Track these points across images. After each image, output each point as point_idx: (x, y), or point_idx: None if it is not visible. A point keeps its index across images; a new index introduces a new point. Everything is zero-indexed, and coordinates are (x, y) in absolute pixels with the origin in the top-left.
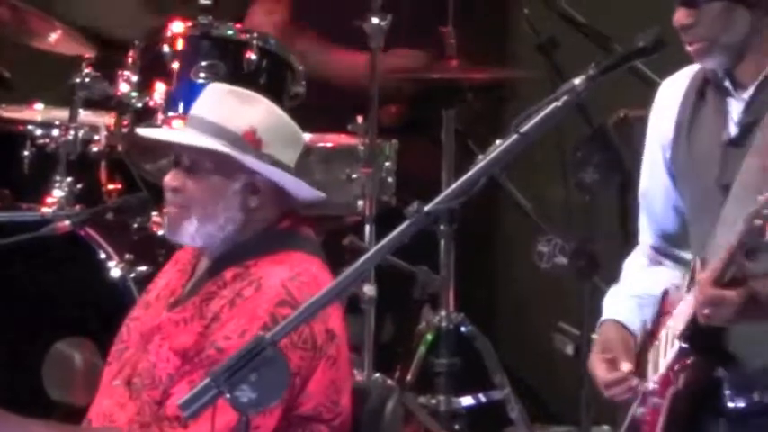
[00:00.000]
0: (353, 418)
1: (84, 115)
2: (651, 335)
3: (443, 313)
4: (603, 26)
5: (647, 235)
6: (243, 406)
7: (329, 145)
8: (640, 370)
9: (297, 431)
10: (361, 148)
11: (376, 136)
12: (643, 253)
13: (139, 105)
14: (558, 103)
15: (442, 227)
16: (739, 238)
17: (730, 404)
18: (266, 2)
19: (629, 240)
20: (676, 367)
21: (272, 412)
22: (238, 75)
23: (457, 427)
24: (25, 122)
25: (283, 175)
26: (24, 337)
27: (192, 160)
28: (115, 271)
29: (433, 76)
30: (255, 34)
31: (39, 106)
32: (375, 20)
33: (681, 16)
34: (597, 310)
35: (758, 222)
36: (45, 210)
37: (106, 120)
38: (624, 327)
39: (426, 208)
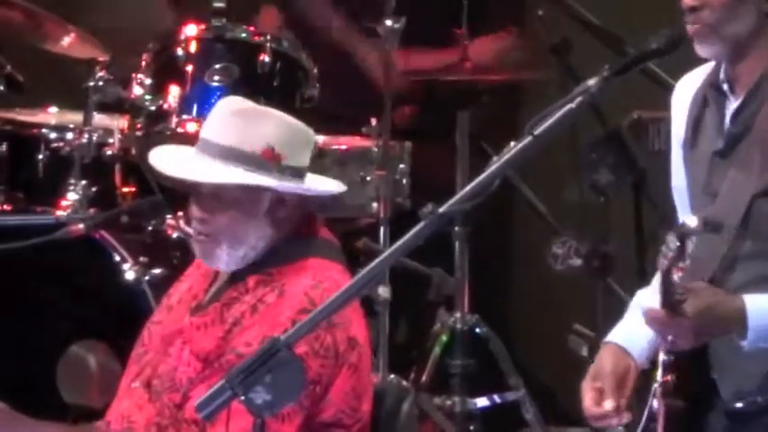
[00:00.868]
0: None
1: (99, 118)
2: None
3: (458, 315)
4: (617, 28)
5: None
6: (258, 408)
7: (343, 147)
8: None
9: None
10: (376, 150)
11: (390, 138)
12: None
13: (153, 108)
14: (572, 105)
15: (456, 228)
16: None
17: (729, 404)
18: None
19: (643, 241)
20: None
21: (293, 420)
22: (252, 77)
23: (472, 428)
24: (39, 126)
25: (307, 188)
26: (39, 339)
27: (214, 189)
28: (129, 274)
29: (447, 78)
30: (269, 36)
31: (53, 110)
32: (389, 22)
33: None
34: (612, 311)
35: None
36: (59, 213)
37: (120, 123)
38: (623, 350)
39: (440, 210)
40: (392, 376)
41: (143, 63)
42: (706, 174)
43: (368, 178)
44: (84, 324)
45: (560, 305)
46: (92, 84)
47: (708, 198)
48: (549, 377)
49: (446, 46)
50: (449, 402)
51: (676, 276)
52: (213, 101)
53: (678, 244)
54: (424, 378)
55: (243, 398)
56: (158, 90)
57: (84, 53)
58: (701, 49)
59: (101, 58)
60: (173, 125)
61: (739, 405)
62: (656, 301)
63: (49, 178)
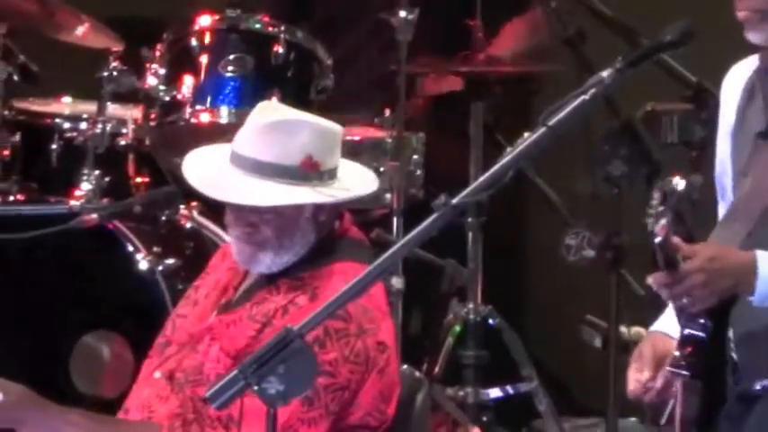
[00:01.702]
0: None
1: (112, 109)
2: None
3: (471, 306)
4: (631, 19)
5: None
6: (271, 398)
7: (356, 138)
8: None
9: None
10: (389, 140)
11: (403, 129)
12: None
13: (167, 99)
14: (586, 97)
15: (469, 220)
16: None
17: (746, 386)
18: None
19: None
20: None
21: (319, 425)
22: (266, 68)
23: (485, 419)
24: (53, 116)
25: (347, 193)
26: (52, 329)
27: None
28: (143, 264)
29: (460, 69)
30: (283, 27)
31: (66, 100)
32: (403, 13)
33: None
34: (625, 303)
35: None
36: (73, 203)
37: (134, 113)
38: (664, 335)
39: (454, 201)
40: (405, 367)
41: (157, 53)
42: (748, 156)
43: (381, 169)
44: (98, 314)
45: (573, 296)
46: (105, 74)
47: (746, 180)
48: (562, 368)
49: (459, 38)
50: (461, 393)
51: (659, 237)
52: (227, 91)
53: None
54: (436, 369)
55: (256, 388)
56: (172, 80)
57: (97, 43)
58: (751, 35)
59: (114, 48)
60: (186, 116)
61: (757, 387)
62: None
63: (62, 168)
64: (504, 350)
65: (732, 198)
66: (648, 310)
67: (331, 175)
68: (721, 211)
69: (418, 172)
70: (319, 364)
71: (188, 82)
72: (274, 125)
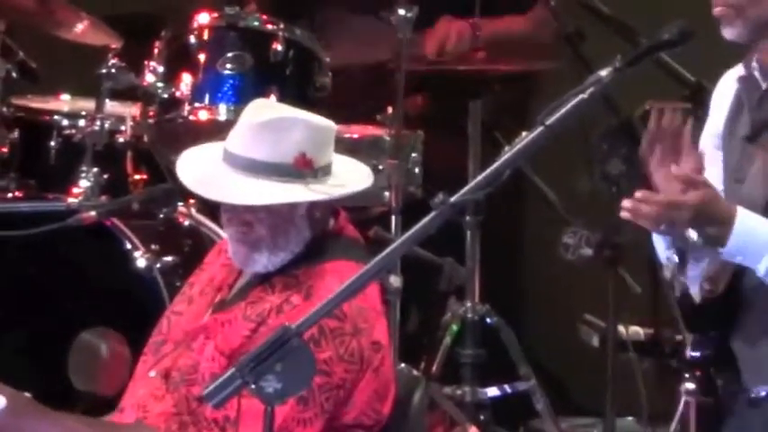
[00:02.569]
0: None
1: (111, 106)
2: None
3: (469, 304)
4: (630, 18)
5: None
6: (268, 396)
7: (355, 136)
8: None
9: None
10: (388, 138)
11: (402, 127)
12: None
13: (165, 96)
14: (585, 95)
15: (467, 218)
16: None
17: (753, 394)
18: None
19: None
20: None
21: (314, 424)
22: (264, 66)
23: (482, 417)
24: (51, 113)
25: (342, 190)
26: (50, 326)
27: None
28: (141, 261)
29: (459, 67)
30: (282, 25)
31: (65, 97)
32: (402, 11)
33: None
34: (623, 302)
35: None
36: (71, 200)
37: (132, 110)
38: None
39: (452, 199)
40: (403, 365)
41: (156, 50)
42: (737, 160)
43: (380, 167)
44: (96, 311)
45: (571, 295)
46: (104, 71)
47: (737, 185)
48: (559, 367)
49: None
50: (459, 392)
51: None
52: (226, 89)
53: (677, 258)
54: (434, 367)
55: (253, 386)
56: (171, 78)
57: (96, 40)
58: (726, 31)
59: (113, 46)
60: (185, 113)
61: (762, 393)
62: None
63: (61, 165)
64: (502, 349)
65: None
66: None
67: (325, 171)
68: None
69: (417, 170)
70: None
71: (186, 79)
72: (267, 123)
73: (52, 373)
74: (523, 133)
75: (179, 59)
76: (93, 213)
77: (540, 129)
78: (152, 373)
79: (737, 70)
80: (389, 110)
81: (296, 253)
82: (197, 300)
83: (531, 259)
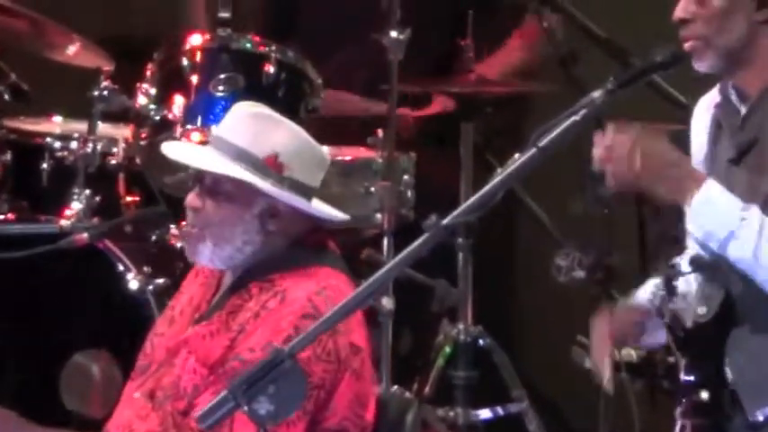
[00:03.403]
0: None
1: (103, 128)
2: None
3: (461, 326)
4: (623, 40)
5: None
6: (261, 418)
7: (347, 158)
8: None
9: None
10: (380, 161)
11: (394, 149)
12: None
13: (158, 118)
14: (577, 117)
15: (460, 240)
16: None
17: (751, 418)
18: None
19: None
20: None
21: (297, 425)
22: (257, 87)
23: None
24: (44, 135)
25: (303, 201)
26: (42, 348)
27: (213, 181)
28: (133, 283)
29: (451, 89)
30: (274, 47)
31: (57, 119)
32: (394, 33)
33: (680, 10)
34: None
35: None
36: (63, 222)
37: (124, 132)
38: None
39: (444, 221)
40: (395, 387)
41: (148, 72)
42: (722, 183)
43: (372, 189)
44: (88, 333)
45: (564, 317)
46: (96, 93)
47: None
48: (552, 389)
49: (451, 57)
50: (452, 414)
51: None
52: (218, 111)
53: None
54: (427, 389)
55: (246, 408)
56: (163, 100)
57: (89, 62)
58: (698, 64)
59: (105, 68)
60: (177, 135)
61: (760, 419)
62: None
63: (53, 187)
64: (495, 371)
65: None
66: None
67: (295, 186)
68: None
69: (409, 192)
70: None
71: (179, 101)
72: (256, 115)
73: (45, 395)
74: (516, 155)
75: (171, 81)
76: (85, 235)
77: (532, 151)
78: (136, 395)
79: (712, 97)
80: (380, 132)
81: (246, 254)
82: (178, 320)
83: (523, 281)
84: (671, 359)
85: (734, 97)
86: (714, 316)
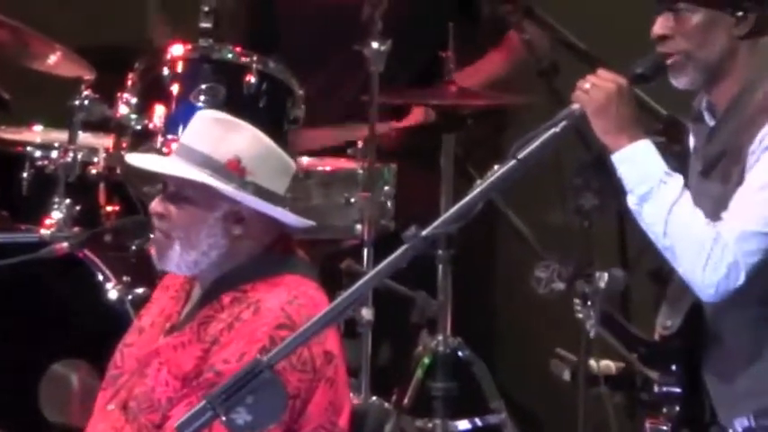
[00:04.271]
0: None
1: (84, 137)
2: None
3: (441, 338)
4: (604, 53)
5: None
6: (239, 428)
7: (328, 168)
8: None
9: None
10: (360, 171)
11: (375, 160)
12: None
13: (139, 128)
14: (557, 129)
15: (439, 251)
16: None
17: (730, 429)
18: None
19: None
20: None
21: None
22: (238, 98)
23: None
24: (24, 144)
25: (265, 205)
26: (22, 358)
27: (176, 187)
28: (113, 293)
29: (432, 101)
30: (255, 57)
31: (38, 128)
32: (375, 44)
33: (659, 27)
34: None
35: None
36: (43, 231)
37: (105, 142)
38: None
39: (424, 232)
40: (374, 398)
41: (129, 82)
42: (694, 196)
43: (352, 200)
44: (67, 343)
45: (543, 329)
46: (77, 102)
47: None
48: (531, 401)
49: (432, 69)
50: (430, 425)
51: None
52: None
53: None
54: (405, 400)
55: (224, 418)
56: (144, 109)
57: (70, 72)
58: (676, 81)
59: (87, 77)
60: (158, 145)
61: (739, 429)
62: None
63: (33, 196)
64: (474, 382)
65: None
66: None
67: (258, 191)
68: None
69: (389, 203)
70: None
71: (159, 111)
72: (217, 120)
73: (24, 405)
74: (496, 167)
75: (152, 91)
76: (65, 245)
77: (512, 162)
78: (110, 407)
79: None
80: (360, 143)
81: (213, 259)
82: (148, 330)
83: (503, 293)
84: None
85: (705, 112)
86: (678, 329)
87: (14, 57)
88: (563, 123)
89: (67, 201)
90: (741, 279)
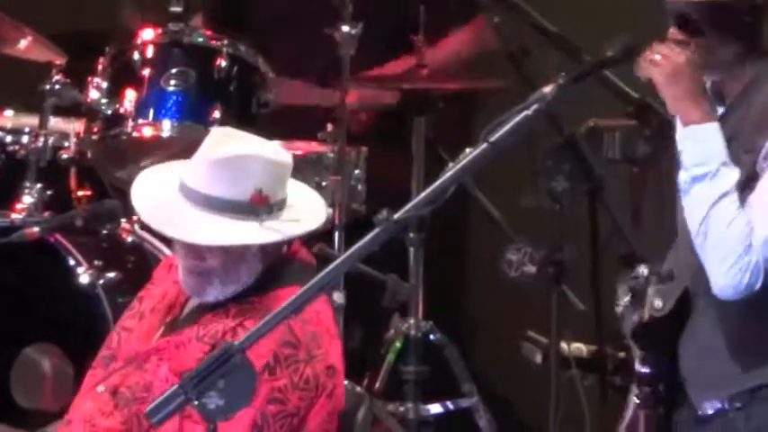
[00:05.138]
0: None
1: (54, 122)
2: None
3: (412, 321)
4: (574, 35)
5: None
6: (210, 413)
7: (298, 153)
8: None
9: None
10: (331, 155)
11: (345, 144)
12: None
13: (109, 112)
14: (528, 112)
15: (411, 235)
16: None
17: (700, 412)
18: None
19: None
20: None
21: None
22: (208, 82)
23: None
24: None
25: (296, 227)
26: None
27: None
28: (84, 277)
29: (403, 85)
30: (226, 41)
31: (8, 113)
32: (346, 28)
33: (674, 33)
34: (566, 319)
35: None
36: (14, 216)
37: (76, 126)
38: None
39: (396, 216)
40: (346, 382)
41: (100, 67)
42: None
43: (323, 184)
44: (39, 328)
45: (514, 312)
46: (48, 87)
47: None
48: (502, 384)
49: (403, 52)
50: (402, 409)
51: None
52: (169, 105)
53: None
54: (377, 384)
55: (196, 403)
56: (115, 94)
57: (40, 56)
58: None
59: (57, 62)
60: (129, 129)
61: (710, 412)
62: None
63: (4, 181)
64: (445, 366)
65: None
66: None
67: (280, 206)
68: None
69: (360, 187)
70: (269, 390)
71: (130, 96)
72: (226, 161)
73: None
74: (467, 150)
75: (123, 76)
76: (36, 229)
77: (483, 146)
78: (100, 388)
79: None
80: (330, 127)
81: (247, 284)
82: (148, 316)
83: (474, 276)
84: (621, 354)
85: (713, 97)
86: (670, 311)
87: None
88: (535, 106)
89: (38, 185)
90: (760, 283)
